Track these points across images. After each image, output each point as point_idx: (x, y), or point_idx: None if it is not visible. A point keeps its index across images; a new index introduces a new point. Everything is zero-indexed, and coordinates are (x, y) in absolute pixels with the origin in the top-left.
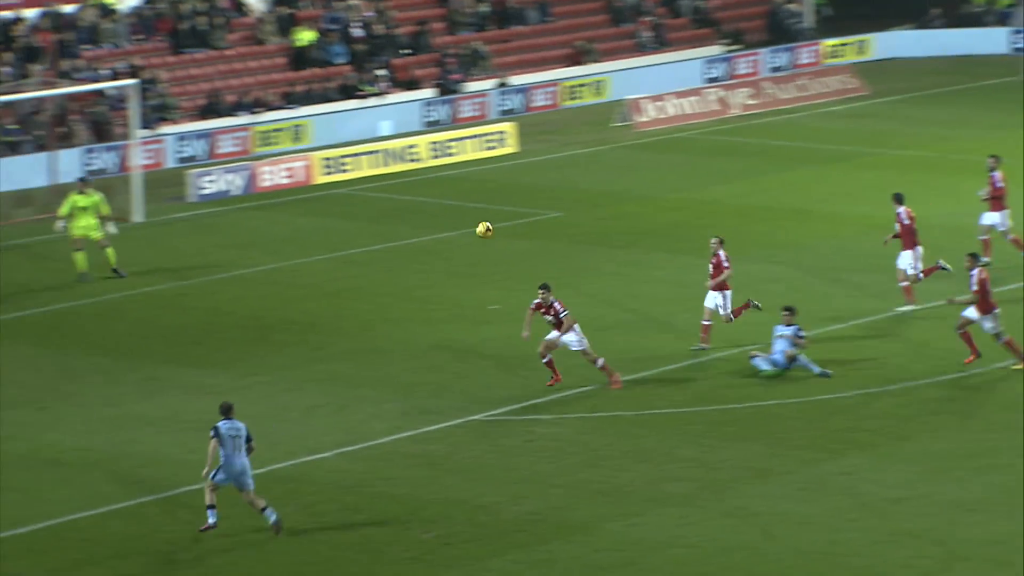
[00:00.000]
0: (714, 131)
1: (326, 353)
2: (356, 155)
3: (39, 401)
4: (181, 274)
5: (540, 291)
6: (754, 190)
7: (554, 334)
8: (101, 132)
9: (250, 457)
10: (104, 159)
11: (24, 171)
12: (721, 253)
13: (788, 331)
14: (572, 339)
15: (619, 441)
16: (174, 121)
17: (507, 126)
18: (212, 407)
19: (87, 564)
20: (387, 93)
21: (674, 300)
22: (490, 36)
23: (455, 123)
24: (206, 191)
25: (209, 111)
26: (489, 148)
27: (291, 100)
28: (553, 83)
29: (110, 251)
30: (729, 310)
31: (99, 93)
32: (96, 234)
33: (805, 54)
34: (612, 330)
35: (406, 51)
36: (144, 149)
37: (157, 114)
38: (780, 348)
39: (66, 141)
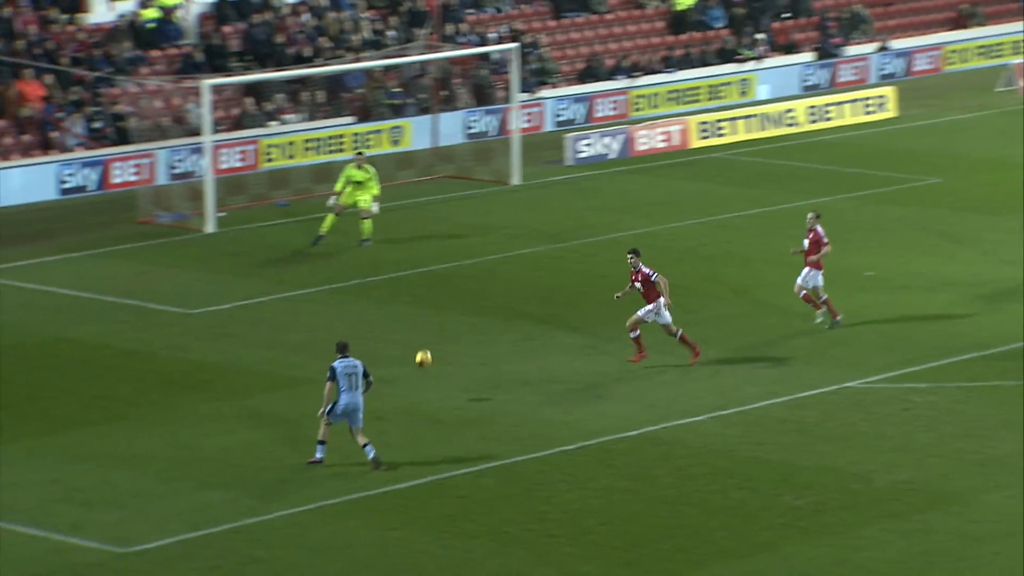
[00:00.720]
0: None
1: (699, 317)
2: (733, 119)
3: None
4: (557, 236)
5: (629, 256)
6: None
7: (644, 309)
8: (482, 96)
9: (367, 394)
10: (484, 122)
11: (407, 133)
12: (819, 228)
13: None
14: (650, 313)
15: (998, 411)
16: (553, 85)
17: (887, 90)
18: (587, 369)
19: (461, 519)
20: (765, 57)
21: None
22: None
23: (834, 87)
24: (583, 154)
25: (587, 75)
26: (868, 113)
27: (669, 64)
28: (936, 47)
29: (367, 223)
30: (821, 285)
31: (481, 57)
32: (363, 206)
33: None
34: (992, 298)
35: (786, 15)
36: (523, 112)
37: (536, 78)
38: None
39: (448, 104)
